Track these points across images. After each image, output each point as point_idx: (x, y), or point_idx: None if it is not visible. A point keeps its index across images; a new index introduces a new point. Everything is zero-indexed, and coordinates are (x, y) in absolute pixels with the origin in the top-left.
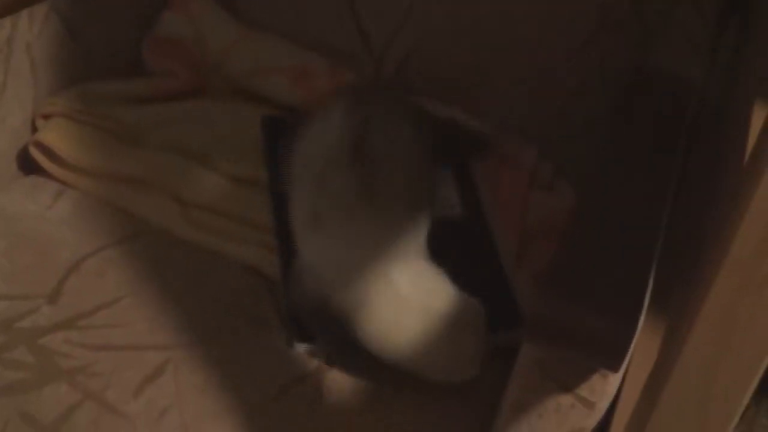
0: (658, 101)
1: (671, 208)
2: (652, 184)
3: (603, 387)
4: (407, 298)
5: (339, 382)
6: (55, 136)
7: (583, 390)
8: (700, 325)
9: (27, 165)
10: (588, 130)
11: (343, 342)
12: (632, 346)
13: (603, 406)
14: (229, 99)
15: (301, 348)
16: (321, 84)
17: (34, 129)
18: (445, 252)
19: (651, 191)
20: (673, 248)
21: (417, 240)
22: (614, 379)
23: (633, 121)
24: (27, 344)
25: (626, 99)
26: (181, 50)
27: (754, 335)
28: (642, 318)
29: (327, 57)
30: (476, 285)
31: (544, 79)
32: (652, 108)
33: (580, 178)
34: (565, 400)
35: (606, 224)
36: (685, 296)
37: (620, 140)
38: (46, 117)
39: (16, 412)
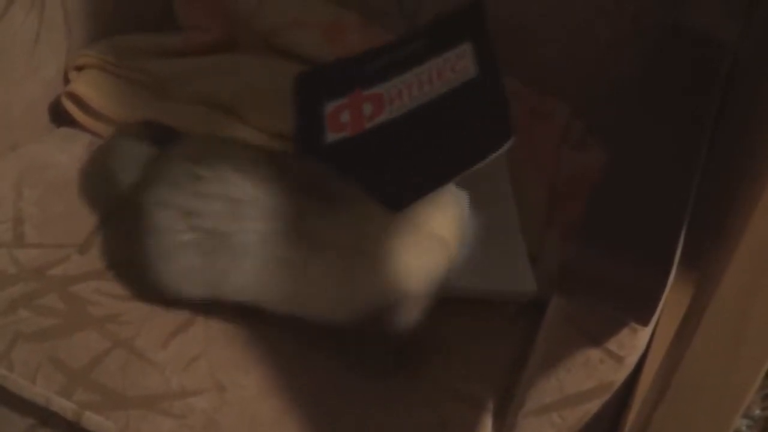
0: (691, 60)
1: (704, 166)
2: (684, 141)
3: (632, 341)
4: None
5: None
6: (88, 87)
7: (612, 344)
8: (736, 260)
9: (60, 116)
10: (620, 89)
11: None
12: (662, 300)
13: (632, 360)
14: (260, 53)
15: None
16: (353, 40)
17: (67, 80)
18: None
19: (683, 148)
20: (705, 205)
21: None
22: (644, 334)
23: (666, 80)
24: (58, 292)
25: (659, 58)
26: (212, 3)
27: None
28: (673, 272)
29: (359, 13)
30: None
31: (577, 37)
32: (685, 67)
33: (611, 136)
34: (594, 354)
35: (637, 180)
36: (717, 249)
37: (652, 98)
38: (79, 68)
39: (46, 357)
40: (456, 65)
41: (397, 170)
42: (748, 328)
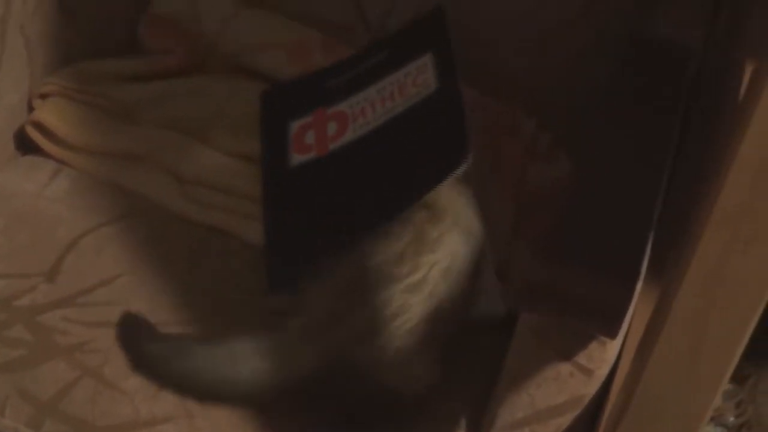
0: (656, 69)
1: (670, 174)
2: (650, 151)
3: (602, 354)
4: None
5: None
6: (52, 115)
7: (582, 358)
8: (689, 280)
9: (24, 144)
10: (586, 100)
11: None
12: (629, 312)
13: (602, 373)
14: (226, 75)
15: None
16: (317, 58)
17: (31, 108)
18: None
19: (649, 159)
20: (672, 214)
21: None
22: (612, 346)
23: (631, 90)
24: (25, 322)
25: (624, 68)
26: (177, 27)
27: (741, 291)
28: (639, 284)
29: (322, 31)
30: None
31: (542, 48)
32: (650, 76)
33: (577, 148)
34: (564, 368)
35: (603, 191)
36: (678, 258)
37: (618, 109)
38: (43, 96)
39: (14, 389)
40: (417, 79)
41: (354, 200)
42: (706, 341)
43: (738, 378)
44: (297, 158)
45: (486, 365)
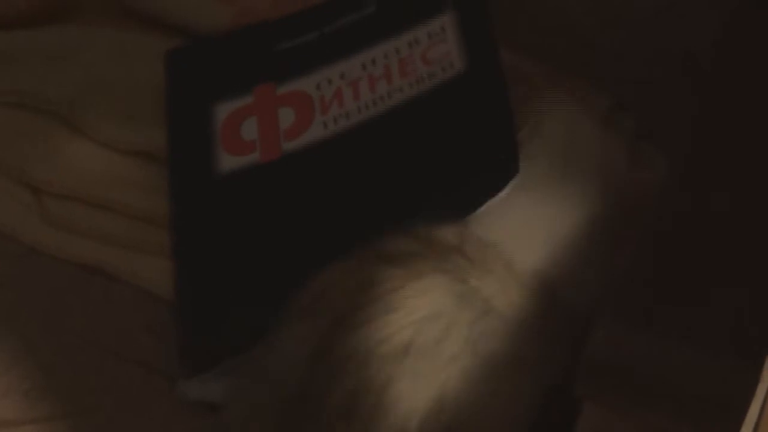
0: None
1: None
2: None
3: None
4: None
5: None
6: None
7: None
8: None
9: None
10: (684, 71)
11: None
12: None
13: None
14: (110, 24)
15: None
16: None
17: None
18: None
19: None
20: None
21: None
22: None
23: (749, 59)
24: None
25: (738, 26)
26: None
27: None
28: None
29: None
30: None
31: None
32: None
33: (675, 140)
34: None
35: (715, 209)
36: None
37: (732, 85)
38: None
39: None
40: (430, 52)
41: (320, 232)
42: None
43: None
44: (229, 161)
45: None
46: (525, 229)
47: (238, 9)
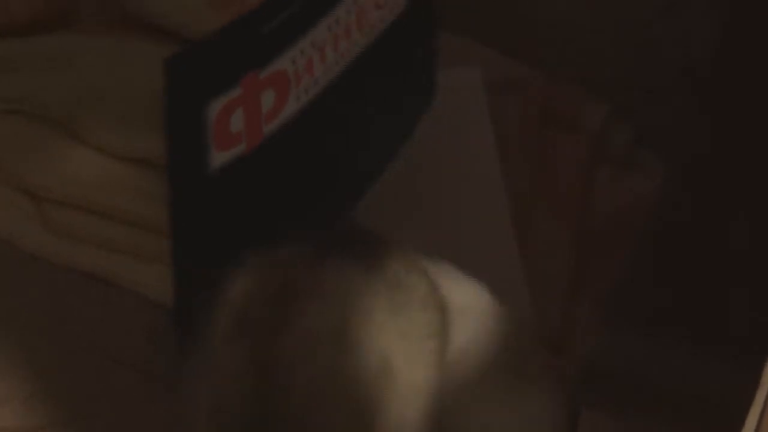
0: None
1: None
2: None
3: None
4: None
5: None
6: None
7: None
8: None
9: None
10: (685, 73)
11: None
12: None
13: None
14: (108, 32)
15: None
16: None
17: None
18: None
19: None
20: None
21: None
22: None
23: (753, 57)
24: None
25: (742, 23)
26: None
27: None
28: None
29: None
30: None
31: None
32: None
33: (671, 147)
34: None
35: (712, 217)
36: None
37: (735, 86)
38: None
39: None
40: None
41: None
42: None
43: None
44: (218, 157)
45: None
46: None
47: (232, 15)
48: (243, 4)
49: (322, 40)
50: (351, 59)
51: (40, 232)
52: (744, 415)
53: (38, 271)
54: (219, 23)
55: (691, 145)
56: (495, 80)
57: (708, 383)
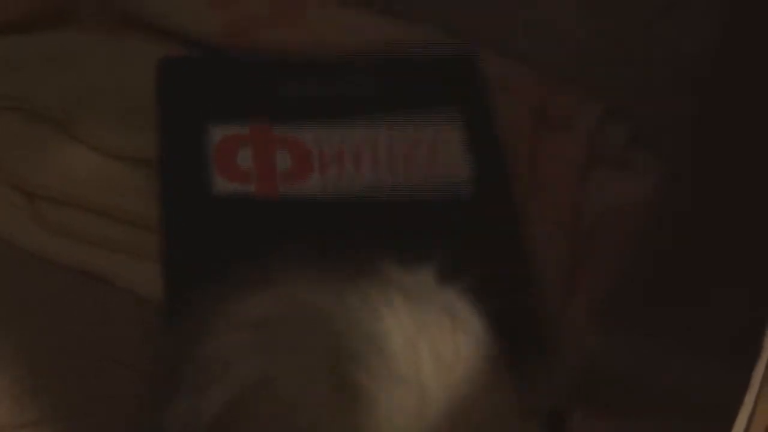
0: None
1: None
2: None
3: None
4: None
5: None
6: None
7: None
8: None
9: None
10: (683, 73)
11: None
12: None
13: None
14: (108, 31)
15: None
16: (251, 6)
17: None
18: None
19: None
20: None
21: None
22: None
23: (754, 57)
24: None
25: (742, 23)
26: None
27: None
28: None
29: None
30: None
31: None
32: None
33: (667, 147)
34: None
35: (710, 216)
36: None
37: (734, 86)
38: None
39: None
40: (435, 159)
41: None
42: None
43: None
44: (224, 184)
45: None
46: None
47: (232, 15)
48: (243, 5)
49: (357, 147)
50: (396, 197)
51: (37, 231)
52: (734, 416)
53: (35, 269)
54: (219, 24)
55: (688, 146)
56: (489, 79)
57: (700, 385)
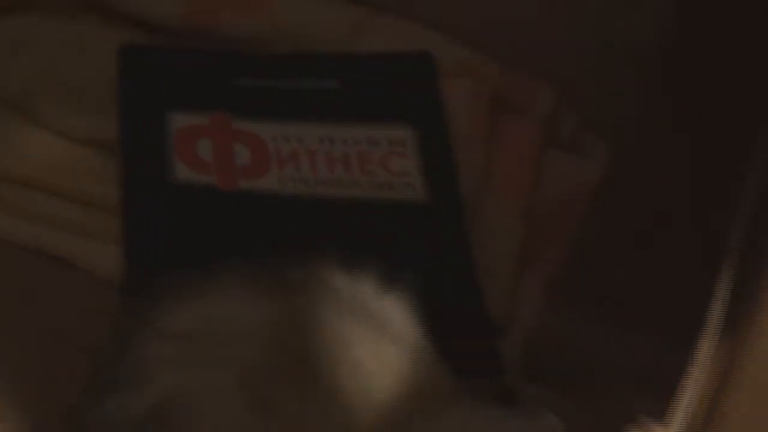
0: (739, 14)
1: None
2: (735, 144)
3: None
4: None
5: None
6: None
7: None
8: None
9: None
10: (633, 62)
11: None
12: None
13: None
14: (68, 15)
15: None
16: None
17: None
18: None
19: (733, 156)
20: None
21: None
22: None
23: (704, 47)
24: None
25: (693, 12)
26: None
27: None
28: (707, 345)
29: None
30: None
31: None
32: (731, 25)
33: (617, 131)
34: None
35: (655, 198)
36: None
37: (682, 77)
38: None
39: None
40: (390, 162)
41: None
42: None
43: None
44: (185, 171)
45: None
46: None
47: (189, 1)
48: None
49: (313, 146)
50: (350, 196)
51: None
52: (680, 390)
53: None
54: (179, 10)
55: (638, 130)
56: (445, 64)
57: (648, 361)
